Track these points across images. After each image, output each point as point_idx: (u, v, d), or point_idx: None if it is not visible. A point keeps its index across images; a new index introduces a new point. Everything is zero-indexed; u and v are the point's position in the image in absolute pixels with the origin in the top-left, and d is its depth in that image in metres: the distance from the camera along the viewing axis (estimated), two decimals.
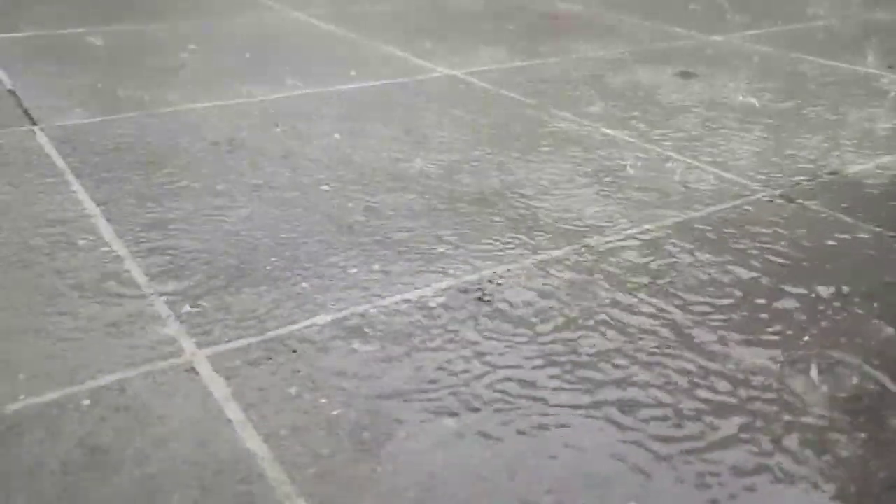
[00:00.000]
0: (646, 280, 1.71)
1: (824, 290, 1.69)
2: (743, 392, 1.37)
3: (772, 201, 2.11)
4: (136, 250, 1.81)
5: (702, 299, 1.65)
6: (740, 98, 2.99)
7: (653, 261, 1.79)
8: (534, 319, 1.57)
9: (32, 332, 1.51)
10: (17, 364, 1.41)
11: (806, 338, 1.52)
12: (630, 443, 1.25)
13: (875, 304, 1.64)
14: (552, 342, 1.50)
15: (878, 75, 3.29)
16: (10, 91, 2.93)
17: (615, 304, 1.62)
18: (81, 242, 1.84)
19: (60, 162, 2.29)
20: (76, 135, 2.51)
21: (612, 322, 1.56)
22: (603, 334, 1.52)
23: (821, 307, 1.63)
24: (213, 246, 1.84)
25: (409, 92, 3.01)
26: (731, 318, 1.59)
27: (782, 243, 1.89)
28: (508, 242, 1.87)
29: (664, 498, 1.15)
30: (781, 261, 1.81)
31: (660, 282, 1.71)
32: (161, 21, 4.11)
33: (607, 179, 2.23)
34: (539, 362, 1.44)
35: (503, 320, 1.56)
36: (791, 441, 1.26)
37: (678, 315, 1.59)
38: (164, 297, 1.63)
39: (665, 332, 1.54)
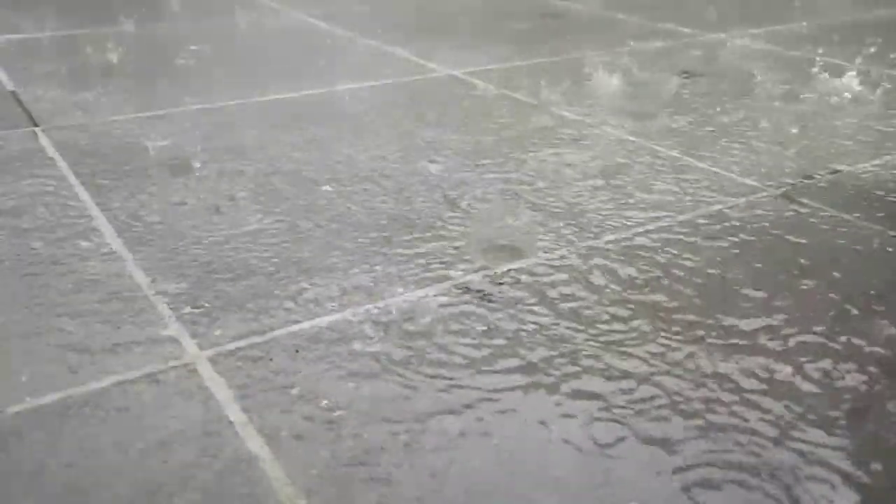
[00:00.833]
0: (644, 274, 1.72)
1: (825, 291, 1.69)
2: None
3: (773, 200, 2.11)
4: (138, 251, 1.81)
5: (704, 297, 1.65)
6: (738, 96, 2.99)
7: (645, 260, 1.80)
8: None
9: (34, 333, 1.51)
10: (19, 366, 1.42)
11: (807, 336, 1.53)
12: None
13: (876, 304, 1.64)
14: None
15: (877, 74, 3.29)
16: (11, 92, 2.93)
17: None
18: (82, 244, 1.84)
19: (62, 162, 2.29)
20: (78, 136, 2.51)
21: None
22: None
23: (821, 307, 1.63)
24: (214, 246, 1.84)
25: (410, 92, 3.01)
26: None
27: (782, 242, 1.89)
28: None
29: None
30: (782, 261, 1.81)
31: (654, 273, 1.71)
32: (161, 21, 4.12)
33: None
34: None
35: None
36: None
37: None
38: (165, 298, 1.63)
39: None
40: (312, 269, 1.75)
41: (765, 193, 2.16)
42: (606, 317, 1.58)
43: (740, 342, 1.51)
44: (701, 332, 1.53)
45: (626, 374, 1.41)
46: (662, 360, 1.45)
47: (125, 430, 1.26)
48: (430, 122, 2.68)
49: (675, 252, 1.83)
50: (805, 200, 2.11)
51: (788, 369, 1.43)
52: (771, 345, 1.50)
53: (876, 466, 1.21)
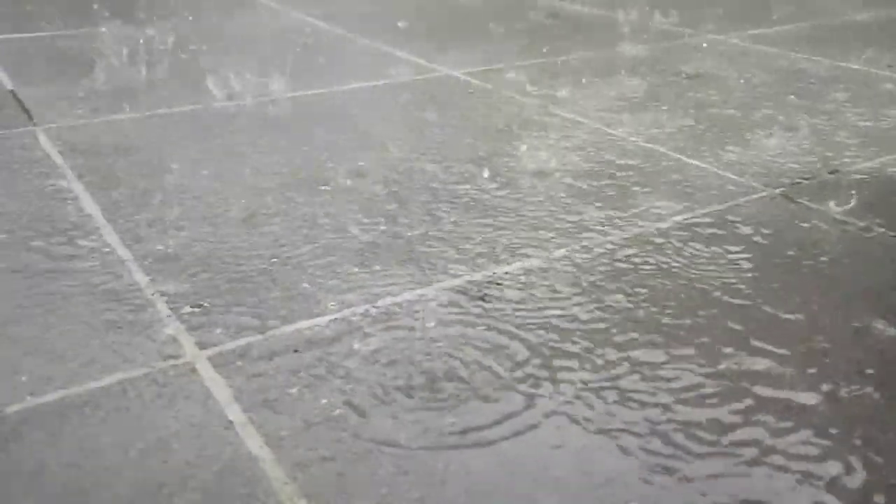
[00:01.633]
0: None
1: (825, 290, 1.69)
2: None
3: (773, 200, 2.11)
4: (137, 251, 1.81)
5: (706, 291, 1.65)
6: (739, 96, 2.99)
7: (639, 257, 1.80)
8: None
9: (34, 333, 1.51)
10: (19, 365, 1.41)
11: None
12: None
13: (877, 304, 1.64)
14: None
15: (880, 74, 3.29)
16: (10, 91, 2.93)
17: None
18: (82, 243, 1.84)
19: (61, 162, 2.29)
20: (76, 135, 2.51)
21: None
22: None
23: (822, 307, 1.63)
24: (213, 246, 1.84)
25: (409, 92, 3.01)
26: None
27: (782, 242, 1.89)
28: None
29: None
30: (781, 259, 1.81)
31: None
32: (162, 21, 4.11)
33: None
34: None
35: None
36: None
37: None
38: (164, 298, 1.63)
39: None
40: (312, 268, 1.75)
41: (764, 193, 2.16)
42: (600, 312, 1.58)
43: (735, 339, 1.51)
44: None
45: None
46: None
47: (125, 430, 1.26)
48: (430, 122, 2.68)
49: (674, 252, 1.83)
50: (804, 200, 2.11)
51: (789, 371, 1.43)
52: (769, 346, 1.50)
53: None
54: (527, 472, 1.19)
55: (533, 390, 1.36)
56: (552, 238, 1.89)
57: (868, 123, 2.72)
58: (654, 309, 1.61)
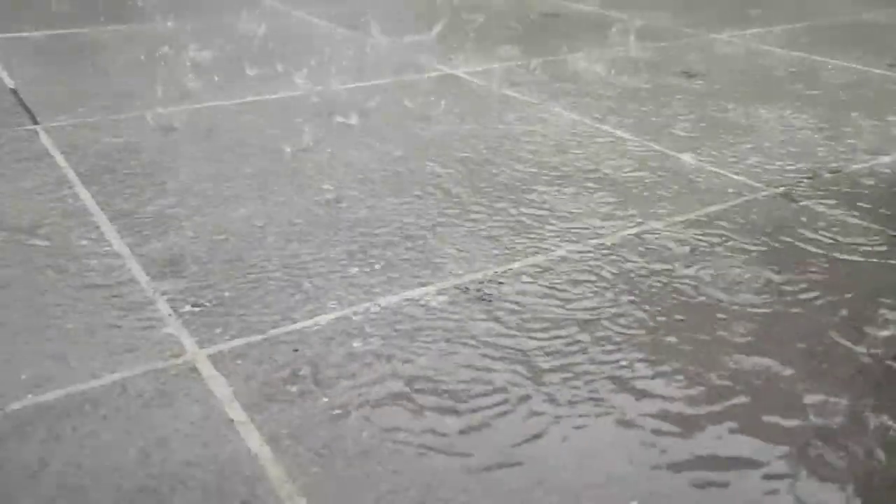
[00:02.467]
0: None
1: (826, 290, 1.69)
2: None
3: (773, 199, 2.11)
4: (138, 249, 1.81)
5: (708, 290, 1.65)
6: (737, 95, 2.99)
7: (648, 256, 1.80)
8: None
9: (34, 332, 1.51)
10: (20, 364, 1.42)
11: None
12: None
13: (877, 304, 1.64)
14: None
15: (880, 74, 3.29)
16: (12, 90, 2.93)
17: None
18: (83, 242, 1.84)
19: (62, 161, 2.29)
20: (78, 134, 2.51)
21: None
22: None
23: (822, 307, 1.63)
24: (214, 245, 1.84)
25: (410, 92, 3.01)
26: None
27: (781, 242, 1.89)
28: None
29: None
30: (781, 259, 1.81)
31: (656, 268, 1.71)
32: (162, 21, 4.11)
33: None
34: None
35: None
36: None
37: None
38: (165, 297, 1.63)
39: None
40: (312, 267, 1.75)
41: (764, 192, 2.16)
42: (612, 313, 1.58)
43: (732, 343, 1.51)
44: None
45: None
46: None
47: (125, 429, 1.26)
48: (430, 122, 2.68)
49: (672, 251, 1.84)
50: (804, 200, 2.11)
51: (789, 371, 1.43)
52: (769, 346, 1.50)
53: None
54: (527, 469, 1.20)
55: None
56: (549, 238, 1.89)
57: (868, 123, 2.72)
58: (653, 309, 1.61)
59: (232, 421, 1.29)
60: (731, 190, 2.17)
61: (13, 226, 1.91)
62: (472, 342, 1.49)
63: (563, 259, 1.80)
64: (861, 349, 1.49)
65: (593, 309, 1.61)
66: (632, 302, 1.63)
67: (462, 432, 1.27)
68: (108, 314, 1.57)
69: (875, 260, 1.83)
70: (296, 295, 1.64)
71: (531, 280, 1.71)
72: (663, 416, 1.31)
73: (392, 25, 4.04)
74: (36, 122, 2.61)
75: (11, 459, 1.20)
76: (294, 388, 1.36)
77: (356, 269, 1.74)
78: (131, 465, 1.19)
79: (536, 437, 1.26)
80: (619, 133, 2.59)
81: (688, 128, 2.65)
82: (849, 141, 2.55)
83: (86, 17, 4.14)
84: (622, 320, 1.57)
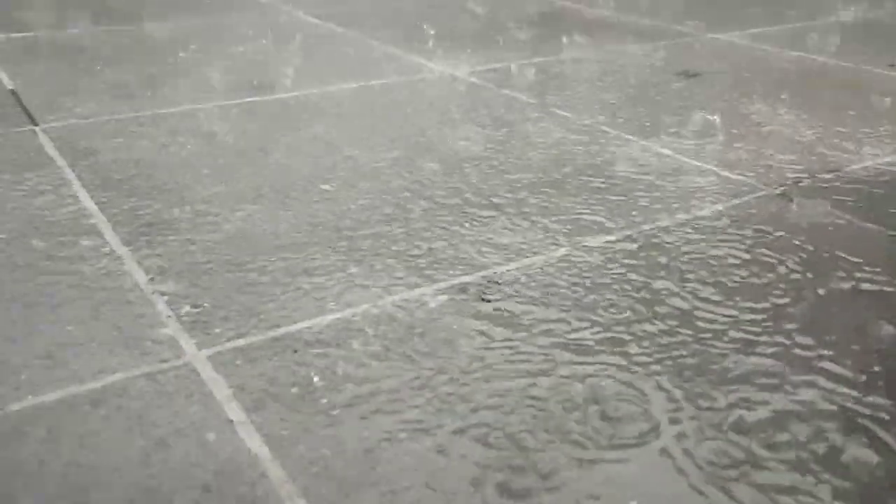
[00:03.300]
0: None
1: (825, 290, 1.69)
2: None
3: (772, 199, 2.11)
4: (137, 250, 1.81)
5: (710, 289, 1.66)
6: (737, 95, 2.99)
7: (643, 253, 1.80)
8: None
9: (34, 332, 1.51)
10: (19, 364, 1.42)
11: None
12: None
13: (877, 303, 1.64)
14: None
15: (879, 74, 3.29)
16: (10, 91, 2.93)
17: None
18: (82, 243, 1.84)
19: (61, 162, 2.29)
20: (77, 135, 2.51)
21: None
22: None
23: (821, 307, 1.63)
24: (213, 246, 1.84)
25: (409, 91, 3.01)
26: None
27: (781, 241, 1.89)
28: None
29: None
30: (781, 259, 1.81)
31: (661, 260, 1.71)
32: (162, 21, 4.11)
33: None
34: None
35: None
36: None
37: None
38: (164, 298, 1.63)
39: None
40: (312, 268, 1.75)
41: (764, 192, 2.16)
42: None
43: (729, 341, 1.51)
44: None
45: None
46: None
47: (125, 429, 1.26)
48: (431, 122, 2.68)
49: (673, 251, 1.84)
50: (804, 199, 2.11)
51: (788, 369, 1.43)
52: (770, 346, 1.51)
53: None
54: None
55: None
56: (552, 236, 1.89)
57: (869, 122, 2.72)
58: (652, 308, 1.61)
59: (231, 421, 1.29)
60: (730, 189, 2.17)
61: (12, 227, 1.91)
62: (472, 342, 1.49)
63: (563, 259, 1.80)
64: (863, 347, 1.49)
65: (587, 296, 1.61)
66: (631, 299, 1.63)
67: (460, 431, 1.27)
68: (108, 315, 1.57)
69: (875, 260, 1.82)
70: (295, 296, 1.64)
71: (531, 280, 1.71)
72: None
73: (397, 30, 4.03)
74: (35, 123, 2.61)
75: (11, 459, 1.20)
76: (294, 389, 1.36)
77: (356, 270, 1.74)
78: (131, 465, 1.19)
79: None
80: (618, 133, 2.59)
81: (686, 127, 2.65)
82: (849, 141, 2.55)
83: (86, 17, 4.14)
84: (620, 317, 1.57)
